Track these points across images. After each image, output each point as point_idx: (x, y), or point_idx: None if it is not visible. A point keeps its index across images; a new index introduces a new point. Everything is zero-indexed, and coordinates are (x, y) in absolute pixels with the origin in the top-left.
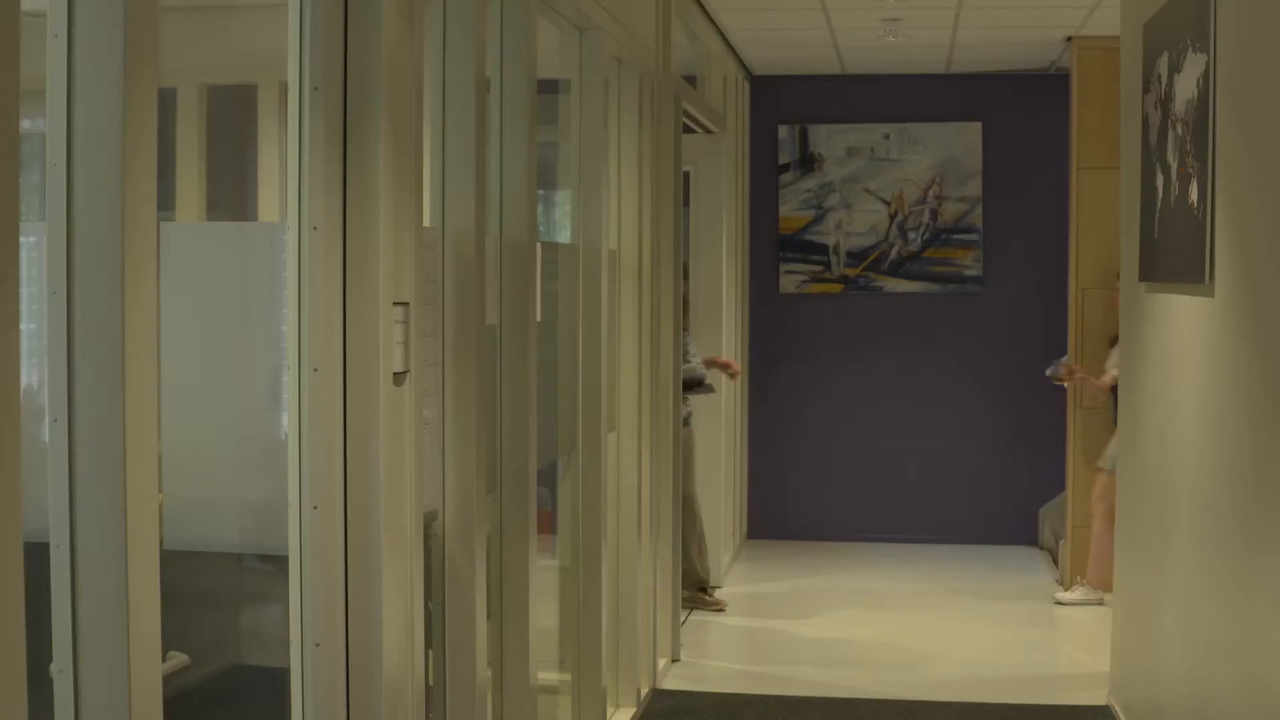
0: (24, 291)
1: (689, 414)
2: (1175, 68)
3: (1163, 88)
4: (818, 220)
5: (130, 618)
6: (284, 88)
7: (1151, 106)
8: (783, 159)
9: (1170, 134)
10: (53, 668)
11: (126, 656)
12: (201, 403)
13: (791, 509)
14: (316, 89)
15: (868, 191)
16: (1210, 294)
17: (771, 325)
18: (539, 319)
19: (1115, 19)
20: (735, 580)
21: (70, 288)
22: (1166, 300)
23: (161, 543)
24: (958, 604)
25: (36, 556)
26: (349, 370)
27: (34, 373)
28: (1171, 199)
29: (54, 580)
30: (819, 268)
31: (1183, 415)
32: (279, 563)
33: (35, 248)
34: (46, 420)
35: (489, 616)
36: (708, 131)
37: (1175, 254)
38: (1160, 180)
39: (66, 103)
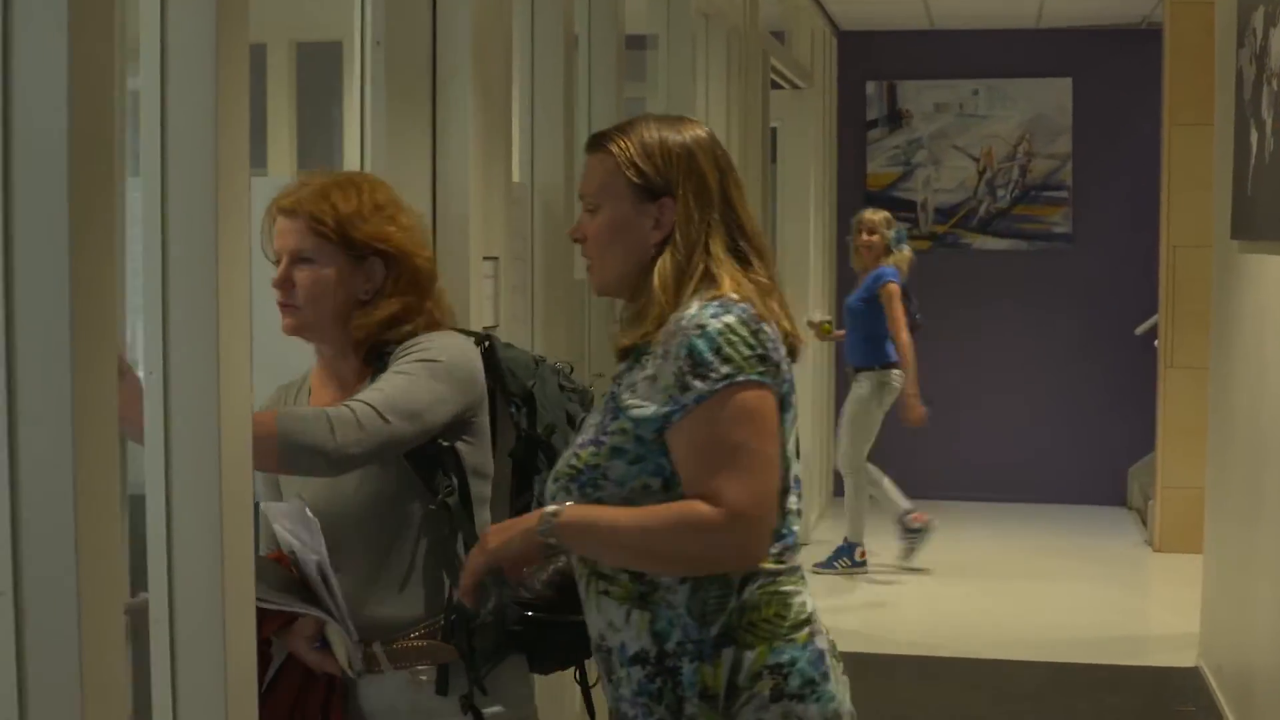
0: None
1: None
2: (1271, 21)
3: (1258, 42)
4: (906, 177)
5: (225, 566)
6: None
7: (1246, 61)
8: (870, 115)
9: (1265, 89)
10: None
11: (221, 601)
12: (292, 357)
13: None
14: (399, 46)
15: (956, 148)
16: None
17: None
18: None
19: None
20: (821, 537)
21: (165, 243)
22: (1260, 259)
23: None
24: (1045, 564)
25: (131, 508)
26: None
27: (130, 327)
28: (1266, 155)
29: (150, 536)
30: (907, 224)
31: (1275, 374)
32: None
33: (131, 204)
34: (141, 373)
35: None
36: (795, 87)
37: (1269, 211)
38: (1254, 137)
39: (160, 60)
